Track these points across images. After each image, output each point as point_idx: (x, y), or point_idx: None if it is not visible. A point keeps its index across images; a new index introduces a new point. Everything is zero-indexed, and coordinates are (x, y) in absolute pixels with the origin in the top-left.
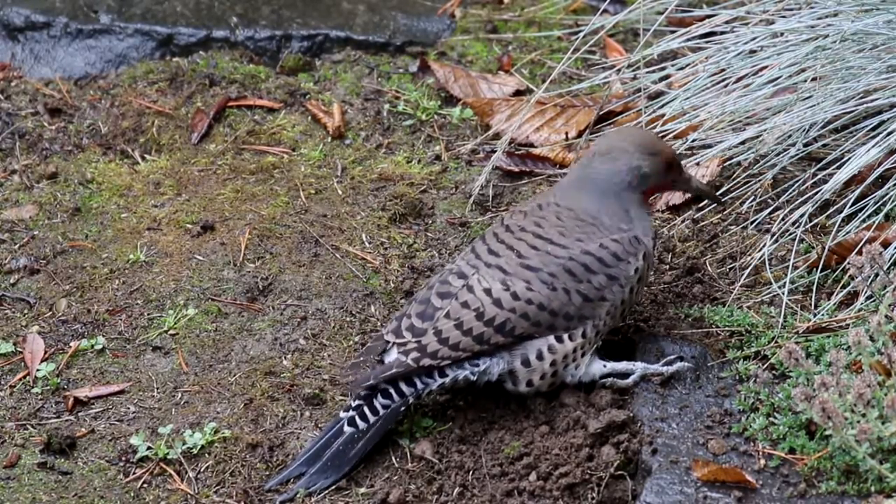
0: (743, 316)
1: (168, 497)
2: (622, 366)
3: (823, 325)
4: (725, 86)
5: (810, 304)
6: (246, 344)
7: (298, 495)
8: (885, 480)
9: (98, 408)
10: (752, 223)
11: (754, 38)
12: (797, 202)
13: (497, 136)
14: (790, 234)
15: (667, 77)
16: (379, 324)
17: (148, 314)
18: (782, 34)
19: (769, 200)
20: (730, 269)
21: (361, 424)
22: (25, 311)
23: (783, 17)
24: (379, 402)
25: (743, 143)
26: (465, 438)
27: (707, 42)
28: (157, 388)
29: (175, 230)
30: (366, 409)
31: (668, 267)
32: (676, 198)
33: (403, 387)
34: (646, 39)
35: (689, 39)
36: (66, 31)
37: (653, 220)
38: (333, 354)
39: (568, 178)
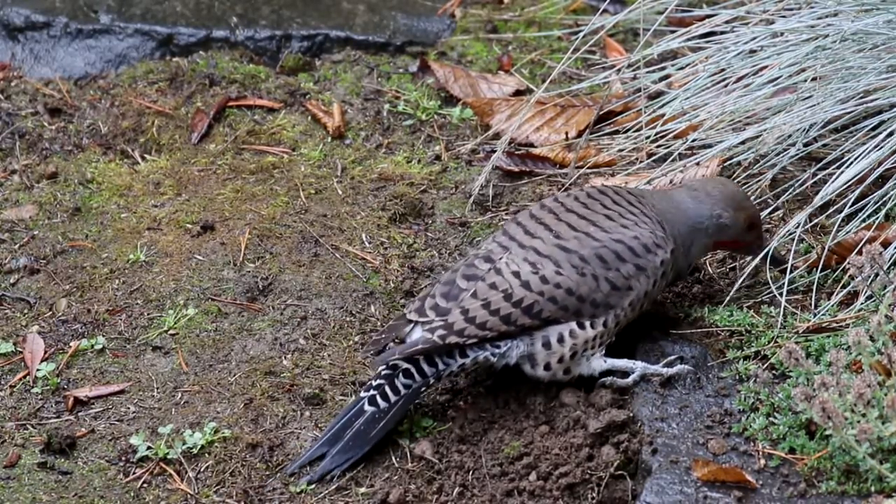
0: (743, 316)
1: (168, 497)
2: (622, 363)
3: (823, 325)
4: (725, 86)
5: (810, 304)
6: (246, 344)
7: (328, 474)
8: (885, 480)
9: (98, 408)
10: None
11: (754, 38)
12: (797, 202)
13: (497, 136)
14: (790, 234)
15: (667, 77)
16: (379, 324)
17: (148, 314)
18: (782, 34)
19: (769, 200)
20: (730, 269)
21: (382, 404)
22: (25, 311)
23: (783, 17)
24: (400, 381)
25: (743, 143)
26: (465, 438)
27: (707, 42)
28: (157, 388)
29: (175, 230)
30: (387, 389)
31: None
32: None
33: (425, 366)
34: (646, 39)
35: (689, 39)
36: (66, 31)
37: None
38: (333, 354)
39: (652, 190)
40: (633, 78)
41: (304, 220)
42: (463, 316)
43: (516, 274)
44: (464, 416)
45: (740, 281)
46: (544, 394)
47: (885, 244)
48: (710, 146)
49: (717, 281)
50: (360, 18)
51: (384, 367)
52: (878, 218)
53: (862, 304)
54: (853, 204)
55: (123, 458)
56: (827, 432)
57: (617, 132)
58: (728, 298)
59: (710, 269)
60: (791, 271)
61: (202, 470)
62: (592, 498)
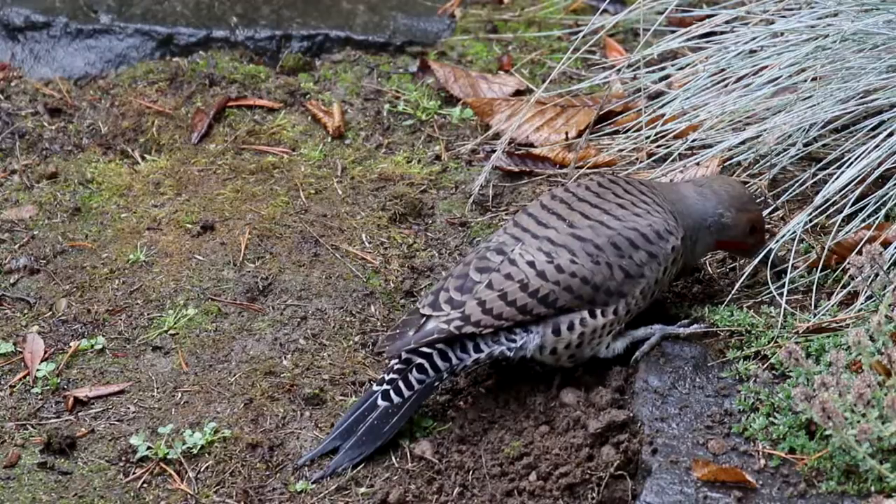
0: (743, 316)
1: (168, 497)
2: (641, 332)
3: (823, 325)
4: (725, 86)
5: (810, 304)
6: (246, 344)
7: (341, 469)
8: (885, 480)
9: (98, 408)
10: None
11: (754, 38)
12: (797, 202)
13: (497, 135)
14: (790, 234)
15: (667, 77)
16: (379, 324)
17: (148, 314)
18: (782, 34)
19: (769, 200)
20: (730, 269)
21: (396, 399)
22: (25, 311)
23: (783, 17)
24: (414, 376)
25: (743, 143)
26: (465, 438)
27: (707, 42)
28: (157, 388)
29: (175, 230)
30: (400, 384)
31: None
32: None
33: (438, 361)
34: (646, 39)
35: (689, 39)
36: (66, 31)
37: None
38: (333, 354)
39: (660, 182)
40: (633, 78)
41: (304, 220)
42: (480, 307)
43: (531, 264)
44: (464, 416)
45: (740, 281)
46: (544, 394)
47: (885, 244)
48: (710, 146)
49: (717, 281)
50: (360, 18)
51: (397, 361)
52: (878, 218)
53: (862, 304)
54: (853, 204)
55: (123, 458)
56: (827, 432)
57: (617, 132)
58: (728, 298)
59: (710, 269)
60: (791, 271)
61: (202, 470)
62: (592, 498)
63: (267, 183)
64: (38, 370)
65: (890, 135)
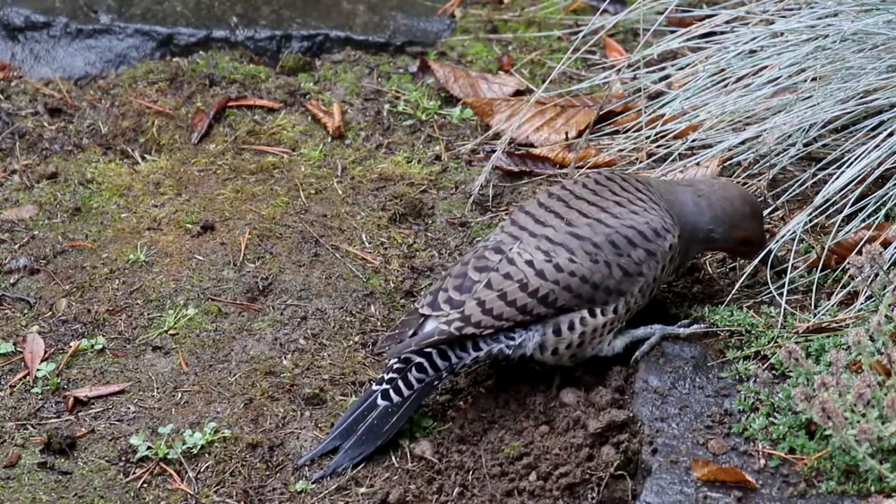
0: (743, 316)
1: (168, 497)
2: (641, 332)
3: (823, 325)
4: (725, 86)
5: (810, 304)
6: (246, 344)
7: (341, 469)
8: (885, 480)
9: (98, 408)
10: None
11: (754, 38)
12: (797, 202)
13: (497, 136)
14: (790, 234)
15: (667, 77)
16: (379, 324)
17: (148, 314)
18: (782, 34)
19: (769, 200)
20: (730, 269)
21: (395, 398)
22: (25, 311)
23: (783, 17)
24: (413, 376)
25: (743, 143)
26: (465, 438)
27: (707, 42)
28: (157, 388)
29: (175, 230)
30: (400, 384)
31: None
32: None
33: (438, 360)
34: (646, 39)
35: (689, 39)
36: (66, 31)
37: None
38: (333, 354)
39: (660, 179)
40: (633, 78)
41: (304, 220)
42: (480, 307)
43: (530, 263)
44: (464, 416)
45: (740, 281)
46: (544, 394)
47: (885, 244)
48: (710, 146)
49: (716, 281)
50: (360, 18)
51: (396, 360)
52: (878, 218)
53: (862, 304)
54: (853, 204)
55: (123, 458)
56: (827, 432)
57: (617, 132)
58: (728, 298)
59: (710, 269)
60: (791, 271)
61: (202, 470)
62: (592, 498)
63: (267, 183)
64: (38, 370)
65: (890, 135)
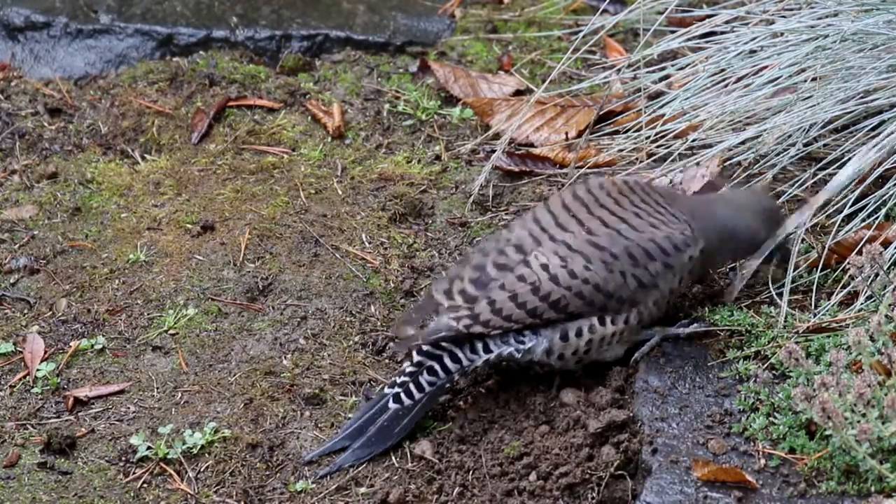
0: (743, 316)
1: (168, 497)
2: (641, 333)
3: (823, 325)
4: (725, 86)
5: (810, 304)
6: (246, 344)
7: (346, 466)
8: (885, 480)
9: (98, 408)
10: None
11: (754, 38)
12: (797, 202)
13: (497, 136)
14: (790, 234)
15: (667, 77)
16: (379, 324)
17: (148, 314)
18: (782, 34)
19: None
20: (730, 269)
21: (407, 401)
22: (25, 311)
23: (783, 17)
24: (425, 379)
25: (743, 143)
26: (465, 438)
27: (707, 42)
28: (157, 388)
29: (175, 230)
30: (411, 386)
31: None
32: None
33: (449, 363)
34: (646, 39)
35: (689, 39)
36: (66, 31)
37: None
38: (333, 354)
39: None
40: (633, 78)
41: (304, 220)
42: (490, 307)
43: (545, 267)
44: (464, 416)
45: (738, 279)
46: (544, 394)
47: (885, 244)
48: (710, 146)
49: (717, 281)
50: (360, 18)
51: (409, 363)
52: (878, 218)
53: (862, 304)
54: (853, 204)
55: (123, 458)
56: (827, 432)
57: (617, 132)
58: (728, 298)
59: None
60: (791, 271)
61: (202, 470)
62: (592, 498)
63: (267, 183)
64: (38, 370)
65: (889, 134)
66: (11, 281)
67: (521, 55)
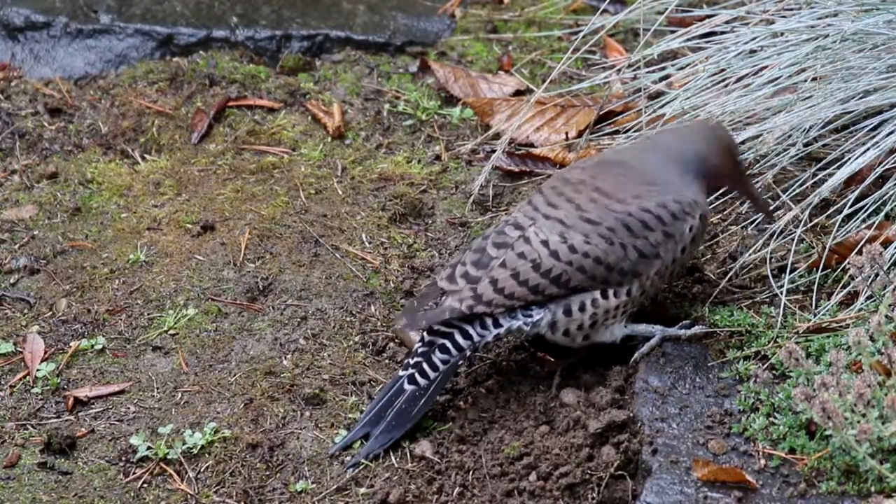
0: (743, 316)
1: (168, 497)
2: (642, 328)
3: (823, 325)
4: (725, 86)
5: (810, 304)
6: (246, 344)
7: (372, 454)
8: (885, 480)
9: (98, 408)
10: (751, 223)
11: (754, 38)
12: (797, 202)
13: (497, 136)
14: (790, 234)
15: (667, 77)
16: (379, 324)
17: (148, 314)
18: (782, 34)
19: (769, 200)
20: (730, 269)
21: (422, 381)
22: (25, 311)
23: (783, 17)
24: (437, 357)
25: (743, 143)
26: (465, 438)
27: (707, 42)
28: (157, 388)
29: (175, 230)
30: (425, 366)
31: None
32: None
33: (460, 339)
34: (646, 39)
35: (689, 39)
36: (66, 31)
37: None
38: (333, 354)
39: (637, 145)
40: (633, 78)
41: (304, 220)
42: (492, 286)
43: (545, 243)
44: (464, 416)
45: (733, 273)
46: (544, 394)
47: (886, 244)
48: None
49: (717, 281)
50: (360, 18)
51: (420, 343)
52: (878, 218)
53: (862, 304)
54: (853, 204)
55: (123, 458)
56: (827, 432)
57: (617, 132)
58: (728, 298)
59: (710, 269)
60: (791, 271)
61: (202, 470)
62: (592, 498)
63: (267, 183)
64: (38, 370)
65: (890, 134)
66: (11, 281)
67: (521, 55)
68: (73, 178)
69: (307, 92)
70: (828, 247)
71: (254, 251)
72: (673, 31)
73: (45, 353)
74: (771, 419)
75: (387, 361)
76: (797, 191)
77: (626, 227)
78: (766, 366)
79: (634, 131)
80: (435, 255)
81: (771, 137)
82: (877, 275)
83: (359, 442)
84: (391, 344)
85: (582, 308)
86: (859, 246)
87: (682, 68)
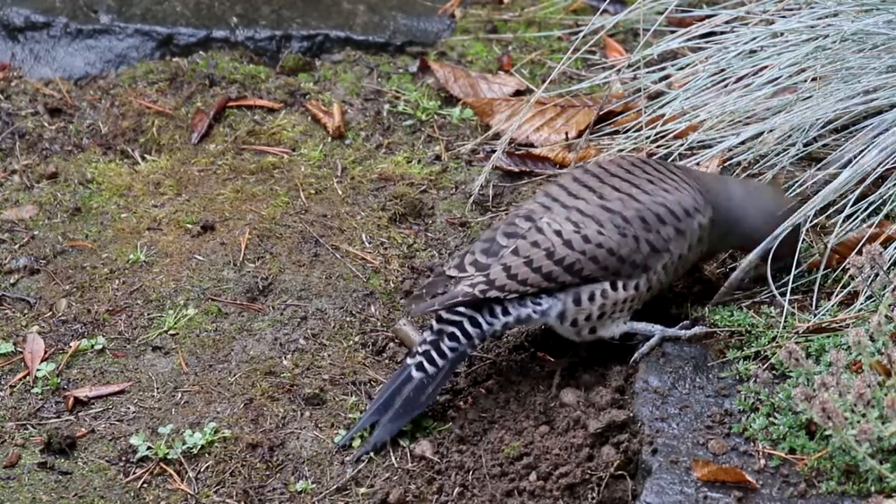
0: (743, 316)
1: (168, 497)
2: (642, 326)
3: (823, 325)
4: (725, 86)
5: (810, 304)
6: (246, 344)
7: (380, 443)
8: (885, 480)
9: (98, 408)
10: None
11: (754, 38)
12: (796, 202)
13: (497, 136)
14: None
15: (667, 77)
16: (379, 324)
17: (148, 314)
18: (782, 34)
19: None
20: (730, 269)
21: (430, 369)
22: (25, 311)
23: (783, 17)
24: (446, 345)
25: (743, 143)
26: (465, 438)
27: (707, 42)
28: (157, 388)
29: (175, 230)
30: (433, 354)
31: None
32: None
33: (469, 327)
34: (646, 39)
35: (689, 39)
36: (66, 31)
37: None
38: (333, 354)
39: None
40: (633, 78)
41: (304, 220)
42: (505, 272)
43: (558, 233)
44: (464, 416)
45: (739, 271)
46: (544, 394)
47: (886, 243)
48: (710, 146)
49: (717, 281)
50: (360, 18)
51: (429, 331)
52: (878, 217)
53: (862, 304)
54: (853, 204)
55: (123, 458)
56: (827, 432)
57: (617, 132)
58: (728, 298)
59: (710, 269)
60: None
61: (202, 470)
62: (592, 498)
63: (267, 183)
64: (38, 370)
65: (887, 132)
66: (11, 281)
67: (521, 55)
68: (73, 178)
69: (307, 92)
70: (829, 247)
71: (254, 251)
72: (673, 32)
73: (45, 353)
74: (771, 419)
75: (387, 361)
76: (797, 191)
77: (641, 219)
78: (766, 366)
79: (634, 131)
80: (435, 255)
81: (771, 137)
82: (877, 275)
83: (361, 435)
84: (391, 344)
85: (592, 298)
86: (859, 246)
87: (681, 68)
